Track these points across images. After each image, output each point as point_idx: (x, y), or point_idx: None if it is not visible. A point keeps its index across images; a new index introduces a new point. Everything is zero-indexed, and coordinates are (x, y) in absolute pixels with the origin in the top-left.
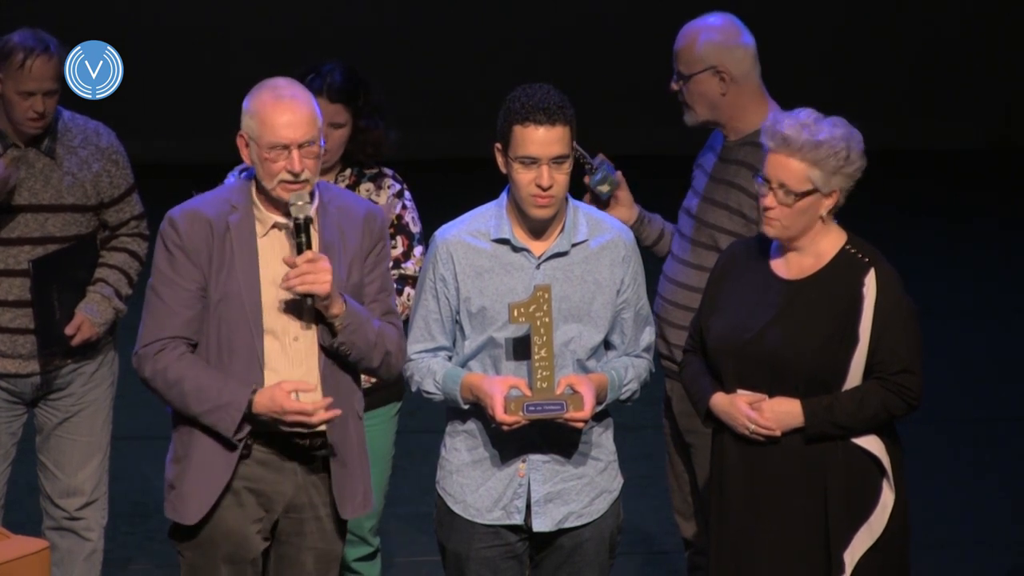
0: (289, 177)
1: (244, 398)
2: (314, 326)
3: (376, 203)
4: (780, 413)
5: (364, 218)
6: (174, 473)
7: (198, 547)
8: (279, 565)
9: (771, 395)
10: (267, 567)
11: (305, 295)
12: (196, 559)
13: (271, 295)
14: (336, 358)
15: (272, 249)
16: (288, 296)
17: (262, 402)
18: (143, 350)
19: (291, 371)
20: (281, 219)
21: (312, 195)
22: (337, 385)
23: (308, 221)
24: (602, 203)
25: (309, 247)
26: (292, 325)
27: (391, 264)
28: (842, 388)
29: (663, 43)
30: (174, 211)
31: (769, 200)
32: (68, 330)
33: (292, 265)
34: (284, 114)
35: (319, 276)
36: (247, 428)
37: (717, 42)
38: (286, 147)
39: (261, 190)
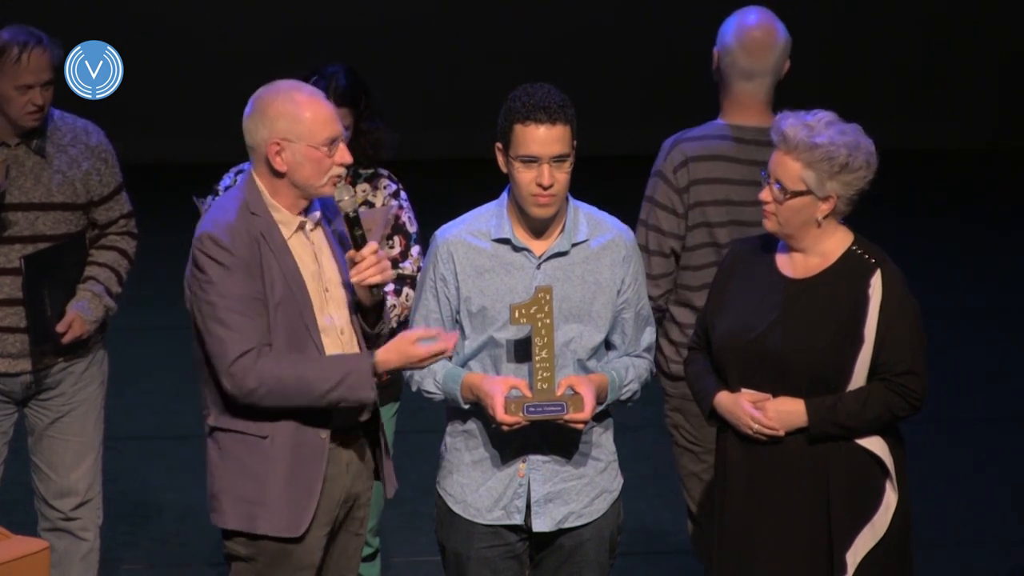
0: (342, 171)
1: (367, 361)
2: (352, 320)
3: (373, 203)
4: (784, 413)
5: (367, 217)
6: (254, 487)
7: (274, 558)
8: (330, 551)
9: (775, 394)
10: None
11: (373, 285)
12: (265, 570)
13: (313, 293)
14: (370, 344)
15: (301, 248)
16: (325, 291)
17: (389, 358)
18: (237, 364)
19: None
20: (303, 218)
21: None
22: None
23: (358, 213)
24: None
25: (365, 240)
26: (336, 318)
27: (389, 264)
28: (846, 388)
29: (663, 43)
30: (209, 229)
31: (765, 194)
32: (59, 327)
33: (356, 259)
34: (325, 109)
35: (385, 264)
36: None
37: (731, 28)
38: (335, 141)
39: (283, 192)
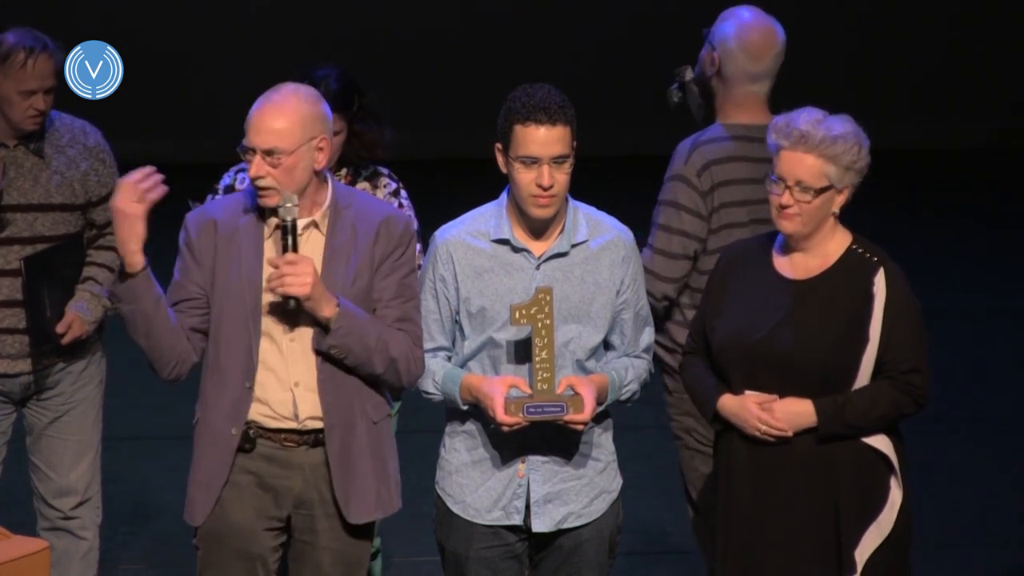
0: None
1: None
2: (310, 328)
3: None
4: (792, 414)
5: (381, 223)
6: (188, 476)
7: (209, 543)
8: (296, 563)
9: (781, 395)
10: (288, 566)
11: (286, 297)
12: (208, 555)
13: (271, 296)
14: (334, 361)
15: (277, 251)
16: (284, 298)
17: (112, 218)
18: None
19: (287, 370)
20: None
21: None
22: (337, 388)
23: (295, 224)
24: None
25: (295, 249)
26: (289, 326)
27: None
28: (852, 388)
29: (664, 43)
30: (190, 213)
31: (786, 198)
32: (59, 328)
33: (275, 267)
34: (256, 119)
35: (298, 278)
36: (129, 283)
37: (730, 36)
38: (254, 151)
39: None
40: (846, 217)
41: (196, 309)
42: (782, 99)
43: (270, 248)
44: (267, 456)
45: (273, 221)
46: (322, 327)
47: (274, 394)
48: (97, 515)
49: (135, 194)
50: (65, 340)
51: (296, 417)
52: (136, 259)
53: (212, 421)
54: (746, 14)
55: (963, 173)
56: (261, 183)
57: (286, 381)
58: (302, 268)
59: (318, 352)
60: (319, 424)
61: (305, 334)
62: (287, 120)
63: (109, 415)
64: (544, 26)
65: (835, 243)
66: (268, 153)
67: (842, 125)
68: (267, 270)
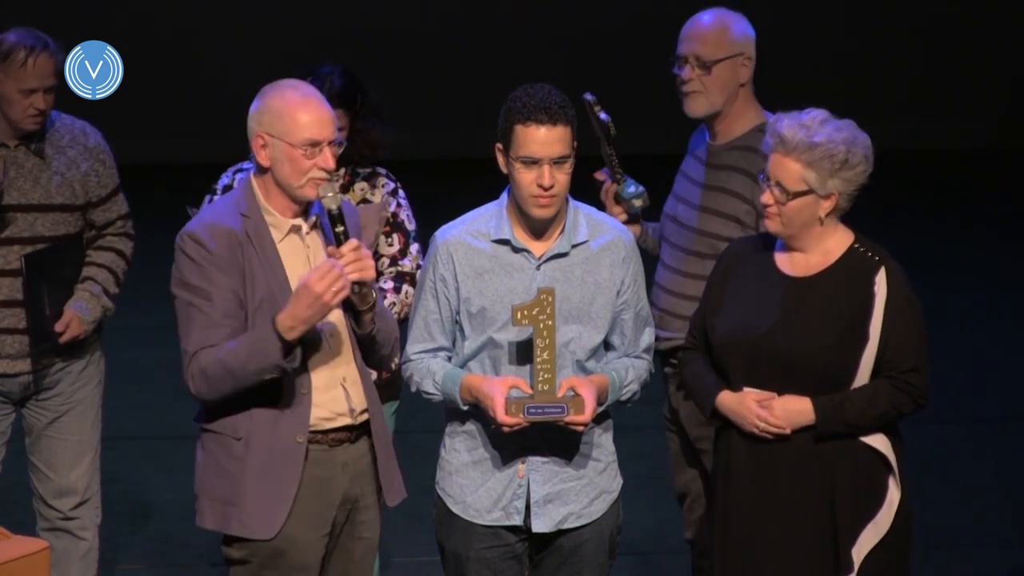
0: (322, 175)
1: (268, 324)
2: (342, 320)
3: (371, 201)
4: (791, 411)
5: (359, 213)
6: (228, 488)
7: (266, 559)
8: (334, 555)
9: (780, 393)
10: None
11: (355, 283)
12: (260, 571)
13: None
14: (365, 349)
15: (293, 253)
16: None
17: (290, 310)
18: (189, 365)
19: (334, 368)
20: (297, 221)
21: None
22: (368, 377)
23: (341, 210)
24: (628, 216)
25: (348, 236)
26: (325, 323)
27: (388, 261)
28: (851, 386)
29: (664, 43)
30: (192, 227)
31: (766, 197)
32: (58, 327)
33: (335, 256)
34: (314, 112)
35: (366, 262)
36: (295, 352)
37: (747, 31)
38: (317, 144)
39: (275, 193)
40: (846, 216)
41: (238, 313)
42: (783, 99)
43: (285, 251)
44: (318, 460)
45: (287, 223)
46: (352, 316)
47: (328, 394)
48: (97, 515)
49: (335, 284)
50: (63, 339)
51: (351, 412)
52: (306, 335)
53: (267, 433)
54: (716, 11)
55: (963, 173)
56: (331, 173)
57: (335, 378)
58: (366, 252)
59: (360, 339)
60: (366, 416)
61: (341, 328)
62: (329, 109)
63: (109, 415)
64: (544, 26)
65: (836, 242)
66: (331, 143)
67: (831, 133)
68: (291, 273)
